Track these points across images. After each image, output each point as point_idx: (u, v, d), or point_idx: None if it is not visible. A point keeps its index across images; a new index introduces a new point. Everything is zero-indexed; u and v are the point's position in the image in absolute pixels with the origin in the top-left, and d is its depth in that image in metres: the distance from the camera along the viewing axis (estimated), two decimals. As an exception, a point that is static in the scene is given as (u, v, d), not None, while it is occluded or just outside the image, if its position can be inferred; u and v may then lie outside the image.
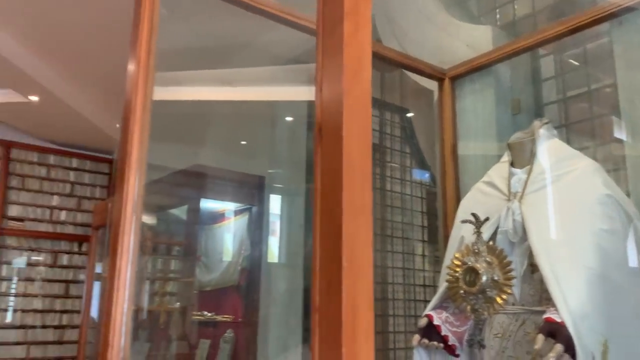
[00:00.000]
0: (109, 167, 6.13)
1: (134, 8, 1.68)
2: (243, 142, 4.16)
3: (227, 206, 3.78)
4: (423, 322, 1.76)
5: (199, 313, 3.49)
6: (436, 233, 3.26)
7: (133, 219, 1.53)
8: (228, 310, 3.58)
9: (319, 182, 0.82)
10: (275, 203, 3.59)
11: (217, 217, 3.84)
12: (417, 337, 1.75)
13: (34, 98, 4.63)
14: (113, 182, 6.12)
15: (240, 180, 3.66)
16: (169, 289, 4.17)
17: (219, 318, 3.51)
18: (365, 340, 0.73)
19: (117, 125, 4.63)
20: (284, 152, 3.64)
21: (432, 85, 2.74)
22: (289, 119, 3.77)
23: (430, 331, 1.74)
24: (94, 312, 4.97)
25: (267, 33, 3.21)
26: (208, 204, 3.79)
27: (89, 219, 5.87)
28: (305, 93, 3.59)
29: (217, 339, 3.59)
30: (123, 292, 1.48)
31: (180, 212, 3.70)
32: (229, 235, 3.70)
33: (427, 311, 1.80)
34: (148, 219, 3.50)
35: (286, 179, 3.67)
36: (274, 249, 3.49)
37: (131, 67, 1.64)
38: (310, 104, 3.51)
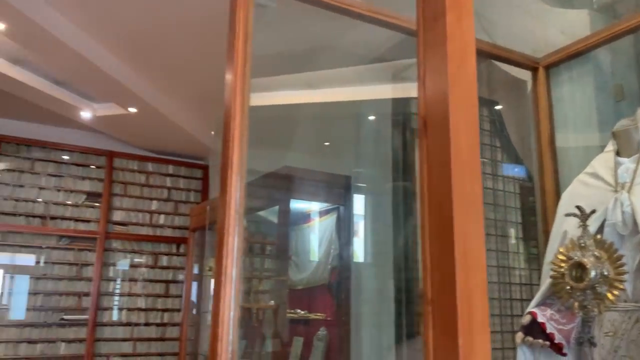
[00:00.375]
0: (202, 173, 6.44)
1: (228, 20, 1.76)
2: (329, 143, 4.21)
3: (316, 206, 3.85)
4: (526, 319, 1.70)
5: (292, 311, 3.58)
6: (532, 229, 3.13)
7: (236, 220, 1.61)
8: (320, 309, 3.64)
9: (425, 175, 0.82)
10: (362, 202, 3.61)
11: (306, 217, 3.92)
12: (520, 334, 1.69)
13: (133, 110, 4.97)
14: (207, 186, 6.42)
15: (328, 181, 3.72)
16: (262, 288, 4.32)
17: (312, 316, 3.58)
18: (481, 332, 0.72)
19: (212, 133, 4.84)
20: (370, 151, 3.65)
21: (524, 75, 2.64)
22: (373, 117, 3.77)
23: (534, 329, 1.68)
24: (193, 311, 5.24)
25: (349, 34, 3.24)
26: (297, 205, 3.88)
27: (185, 222, 6.20)
28: (389, 91, 3.59)
29: (310, 337, 3.66)
30: (229, 288, 1.55)
31: (272, 213, 3.81)
32: (318, 234, 3.77)
33: (531, 308, 1.73)
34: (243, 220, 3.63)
35: (372, 178, 3.68)
36: (362, 248, 3.50)
37: (229, 76, 1.72)
38: (394, 101, 3.50)
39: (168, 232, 6.14)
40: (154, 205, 6.14)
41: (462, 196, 0.75)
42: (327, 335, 3.49)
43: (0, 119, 5.68)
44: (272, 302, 3.73)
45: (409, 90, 3.50)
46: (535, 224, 3.01)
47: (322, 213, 3.82)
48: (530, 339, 1.66)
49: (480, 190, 0.77)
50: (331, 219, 3.71)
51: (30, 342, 5.26)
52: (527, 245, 3.24)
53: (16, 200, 5.46)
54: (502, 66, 2.76)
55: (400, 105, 3.47)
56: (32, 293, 5.39)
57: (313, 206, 3.88)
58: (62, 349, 5.41)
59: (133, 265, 5.94)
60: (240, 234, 1.61)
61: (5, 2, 3.12)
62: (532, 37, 2.59)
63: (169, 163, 6.28)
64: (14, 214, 5.43)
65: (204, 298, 5.33)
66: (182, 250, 6.17)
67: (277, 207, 3.72)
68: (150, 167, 6.18)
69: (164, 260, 6.08)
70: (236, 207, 1.62)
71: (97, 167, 5.89)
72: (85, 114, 5.12)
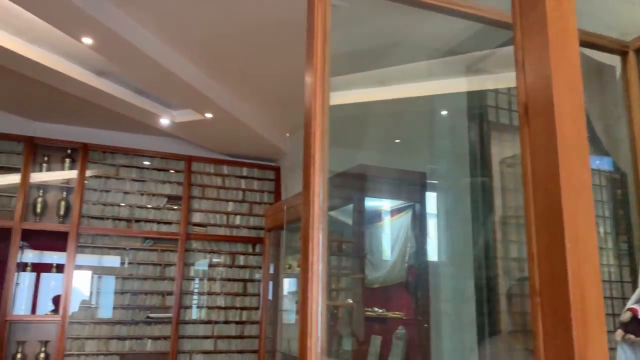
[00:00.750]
0: (274, 174, 6.57)
1: (307, 23, 1.79)
2: (402, 139, 4.18)
3: (390, 204, 3.83)
4: (626, 316, 1.61)
5: (370, 309, 3.58)
6: (621, 224, 2.97)
7: (320, 217, 1.63)
8: (397, 307, 3.61)
9: (528, 163, 0.81)
10: (438, 199, 3.55)
11: (381, 215, 3.90)
12: (620, 332, 1.61)
13: (209, 115, 5.15)
14: (279, 187, 6.54)
15: (402, 178, 3.69)
16: (339, 286, 4.35)
17: (390, 314, 3.56)
18: (596, 322, 0.70)
19: (287, 134, 4.92)
20: (445, 146, 3.59)
21: (610, 60, 2.50)
22: (447, 112, 3.71)
23: (635, 326, 1.59)
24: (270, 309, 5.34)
25: (421, 28, 3.20)
26: (372, 203, 3.88)
27: (259, 223, 6.35)
28: (463, 84, 3.51)
29: (388, 336, 3.64)
30: (317, 284, 1.57)
31: (346, 212, 3.83)
32: (393, 232, 3.74)
33: (630, 304, 1.64)
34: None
35: (448, 174, 3.62)
36: (439, 246, 3.45)
37: (308, 77, 1.75)
38: (469, 95, 3.42)
39: (244, 233, 6.31)
40: (230, 207, 6.33)
41: (570, 182, 0.73)
42: (406, 334, 3.46)
43: (87, 129, 6.06)
44: (350, 301, 3.75)
45: (485, 82, 3.41)
46: (625, 218, 2.86)
47: (397, 211, 3.80)
48: (631, 337, 1.57)
49: (589, 175, 0.75)
50: (406, 216, 3.68)
51: (120, 338, 5.57)
52: (616, 241, 3.08)
53: (103, 204, 5.80)
54: (584, 51, 2.63)
55: (475, 98, 3.39)
56: (119, 292, 5.70)
57: (388, 204, 3.86)
58: (149, 345, 5.69)
59: (212, 265, 6.15)
60: (325, 231, 1.63)
61: (93, 19, 3.32)
62: (619, 19, 2.45)
63: (243, 165, 6.46)
64: (101, 218, 5.77)
65: (280, 296, 5.44)
66: (257, 249, 6.32)
67: (351, 206, 3.74)
68: (225, 169, 6.38)
69: (241, 260, 6.26)
70: (320, 204, 1.64)
71: (177, 171, 6.15)
72: (164, 121, 5.36)
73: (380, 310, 3.61)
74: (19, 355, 5.29)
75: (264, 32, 3.76)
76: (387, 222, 3.83)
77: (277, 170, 6.59)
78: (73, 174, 5.73)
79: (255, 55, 4.16)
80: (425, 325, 3.29)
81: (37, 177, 5.64)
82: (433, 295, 3.37)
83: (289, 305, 5.34)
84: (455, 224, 3.45)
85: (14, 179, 5.47)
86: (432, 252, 3.50)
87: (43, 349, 5.37)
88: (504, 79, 3.23)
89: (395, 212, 3.80)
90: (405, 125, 4.00)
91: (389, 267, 3.72)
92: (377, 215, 3.90)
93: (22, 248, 5.41)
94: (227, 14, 3.56)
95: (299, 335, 1.63)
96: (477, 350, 3.00)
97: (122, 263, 5.77)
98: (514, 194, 3.06)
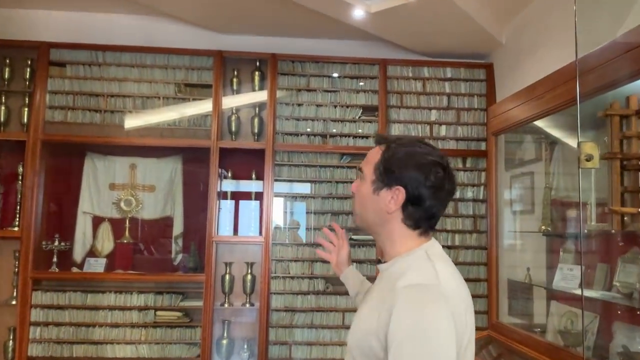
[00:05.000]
0: (485, 73, 5.45)
1: None
2: None
3: None
4: None
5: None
6: None
7: None
8: None
9: None
10: None
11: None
12: None
13: (412, -2, 4.23)
14: (492, 88, 5.44)
15: None
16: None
17: None
18: None
19: (574, 7, 3.66)
20: None
21: None
22: None
23: None
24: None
25: None
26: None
27: (468, 132, 5.39)
28: None
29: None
30: None
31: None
32: None
33: None
34: None
35: None
36: None
37: None
38: None
39: (451, 145, 5.39)
40: (433, 115, 5.43)
41: None
42: None
43: (274, 38, 5.57)
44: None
45: None
46: None
47: None
48: None
49: None
50: None
51: (324, 261, 5.17)
52: None
53: (296, 119, 5.33)
54: None
55: None
56: (320, 213, 5.26)
57: None
58: (356, 266, 5.20)
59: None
60: None
61: None
62: None
63: (446, 65, 5.46)
64: (296, 134, 5.31)
65: (501, 215, 4.49)
66: (468, 164, 5.38)
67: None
68: (425, 72, 5.45)
69: (449, 176, 5.38)
70: None
71: (371, 78, 5.40)
72: (358, 12, 4.56)
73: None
74: (227, 277, 5.19)
75: None
76: None
77: (488, 67, 5.45)
78: (263, 94, 5.31)
79: None
80: None
81: (229, 101, 5.35)
82: None
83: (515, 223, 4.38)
84: None
85: (207, 106, 5.21)
86: None
87: (249, 270, 5.20)
88: None
89: None
90: None
91: None
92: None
93: (220, 177, 5.23)
94: None
95: None
96: None
97: (314, 182, 5.29)
98: None
